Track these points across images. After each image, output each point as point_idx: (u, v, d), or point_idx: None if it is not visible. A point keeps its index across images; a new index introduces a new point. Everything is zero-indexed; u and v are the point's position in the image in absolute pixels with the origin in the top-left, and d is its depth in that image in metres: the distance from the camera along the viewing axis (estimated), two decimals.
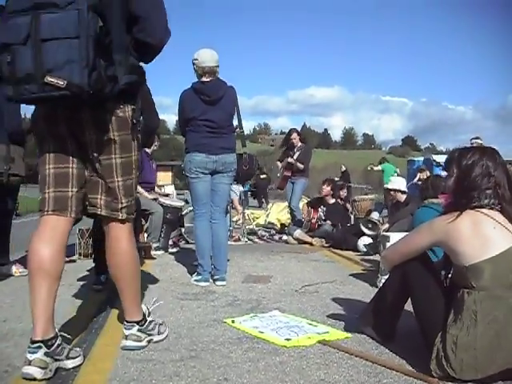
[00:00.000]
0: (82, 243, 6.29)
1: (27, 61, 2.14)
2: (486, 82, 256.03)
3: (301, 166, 8.96)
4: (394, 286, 2.80)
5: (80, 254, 6.28)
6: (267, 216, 12.21)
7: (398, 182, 7.25)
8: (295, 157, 9.04)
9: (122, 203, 2.60)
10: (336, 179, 19.25)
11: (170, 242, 7.32)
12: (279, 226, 10.70)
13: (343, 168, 21.03)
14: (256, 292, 4.33)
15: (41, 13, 2.14)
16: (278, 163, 9.51)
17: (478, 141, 10.03)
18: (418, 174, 14.76)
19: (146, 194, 6.69)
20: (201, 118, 4.48)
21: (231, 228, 9.16)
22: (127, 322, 2.77)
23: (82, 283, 4.62)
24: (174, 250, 7.19)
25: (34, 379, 2.27)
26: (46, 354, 2.33)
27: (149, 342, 2.81)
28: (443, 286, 2.65)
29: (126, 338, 2.75)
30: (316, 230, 8.55)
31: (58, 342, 2.42)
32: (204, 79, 4.52)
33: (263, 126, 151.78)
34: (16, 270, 5.08)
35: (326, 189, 8.89)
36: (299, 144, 9.25)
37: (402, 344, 2.83)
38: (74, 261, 6.07)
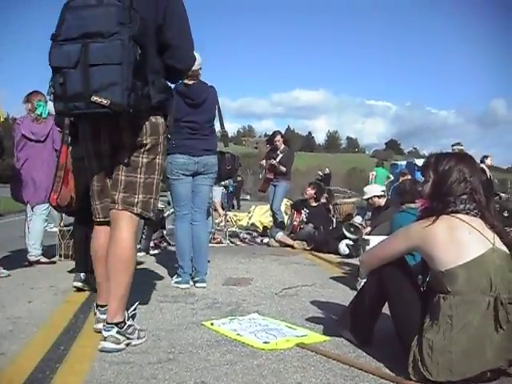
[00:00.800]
0: (62, 244, 6.24)
1: (77, 82, 2.54)
2: (469, 87, 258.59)
3: (283, 168, 8.96)
4: (371, 290, 2.82)
5: (61, 256, 6.24)
6: (249, 218, 12.22)
7: (371, 190, 7.31)
8: (278, 159, 9.04)
9: (138, 198, 2.90)
10: (319, 174, 19.36)
11: (152, 244, 7.31)
12: (261, 228, 10.71)
13: (327, 170, 21.09)
14: (236, 294, 4.33)
15: (89, 42, 2.53)
16: (263, 162, 9.46)
17: (459, 147, 10.14)
18: (401, 178, 14.85)
19: None
20: (184, 119, 4.48)
21: (213, 230, 9.15)
22: (107, 323, 2.79)
23: (62, 284, 4.59)
24: (156, 251, 7.18)
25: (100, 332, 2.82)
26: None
27: (127, 345, 2.82)
28: (420, 291, 2.67)
29: (105, 339, 2.77)
30: (298, 233, 8.59)
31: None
32: (187, 81, 4.53)
33: (247, 128, 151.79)
34: None
35: (310, 192, 8.94)
36: (282, 147, 9.24)
37: (380, 347, 2.85)
38: (54, 262, 6.03)
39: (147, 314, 3.52)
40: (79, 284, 4.28)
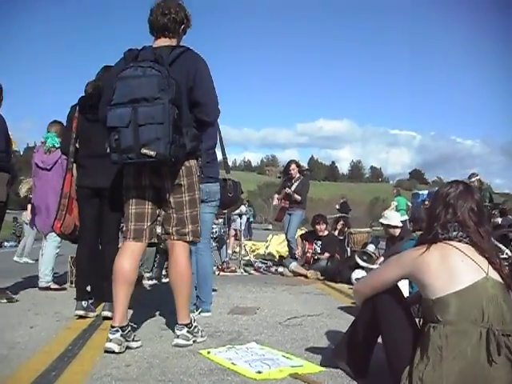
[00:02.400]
0: (73, 271, 6.26)
1: (129, 138, 3.15)
2: (495, 117, 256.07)
3: (298, 197, 8.95)
4: (364, 320, 2.77)
5: (72, 282, 6.26)
6: (266, 248, 12.20)
7: (391, 218, 7.25)
8: (293, 188, 9.04)
9: (189, 228, 3.53)
10: (336, 207, 19.41)
11: (164, 272, 7.29)
12: (278, 257, 10.65)
13: (342, 200, 21.05)
14: (239, 323, 4.29)
15: (137, 106, 3.14)
16: (276, 195, 9.50)
17: (476, 177, 10.06)
18: (422, 207, 14.75)
19: None
20: None
21: (227, 259, 9.15)
22: (178, 324, 3.50)
23: (67, 311, 4.60)
24: (167, 280, 7.15)
25: (113, 352, 3.17)
26: (121, 335, 3.27)
27: (194, 341, 3.51)
28: (413, 321, 2.61)
29: (178, 337, 3.46)
30: (312, 264, 8.51)
31: (129, 328, 3.38)
32: None
33: (271, 158, 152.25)
34: None
35: (322, 227, 8.88)
36: (297, 175, 9.25)
37: (375, 379, 2.79)
38: (64, 289, 6.08)
39: (145, 342, 3.49)
40: (81, 312, 4.29)
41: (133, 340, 3.38)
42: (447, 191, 2.58)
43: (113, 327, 3.28)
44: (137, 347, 3.36)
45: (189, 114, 3.46)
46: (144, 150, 3.11)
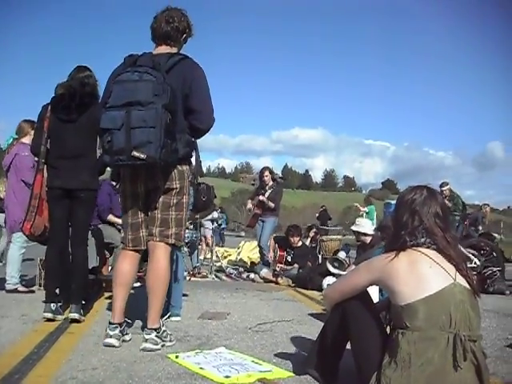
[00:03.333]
0: (42, 274, 6.16)
1: (121, 140, 3.22)
2: (467, 129, 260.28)
3: (271, 204, 8.95)
4: (333, 325, 2.77)
5: (40, 285, 6.15)
6: (238, 254, 12.18)
7: (363, 225, 7.29)
8: (266, 195, 9.04)
9: (172, 230, 3.59)
10: (317, 215, 19.50)
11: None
12: (249, 264, 10.64)
13: (321, 208, 21.18)
14: (209, 328, 4.26)
15: (131, 109, 3.21)
16: (249, 201, 9.50)
17: (447, 186, 10.19)
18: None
19: (118, 220, 6.68)
20: None
21: (198, 264, 9.10)
22: (148, 328, 3.50)
23: (34, 314, 4.52)
24: (138, 284, 7.07)
25: (114, 346, 3.40)
26: (120, 331, 3.51)
27: (162, 346, 3.48)
28: (382, 327, 2.62)
29: (146, 341, 3.44)
30: (283, 273, 8.52)
31: (125, 324, 3.65)
32: None
33: (245, 165, 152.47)
34: None
35: (296, 239, 8.88)
36: (271, 183, 9.26)
37: None
38: (32, 291, 5.96)
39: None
40: (49, 315, 4.21)
41: (125, 334, 3.67)
42: (412, 198, 2.59)
43: (112, 324, 3.51)
44: (129, 340, 3.65)
45: (183, 121, 3.53)
46: (134, 153, 3.17)
